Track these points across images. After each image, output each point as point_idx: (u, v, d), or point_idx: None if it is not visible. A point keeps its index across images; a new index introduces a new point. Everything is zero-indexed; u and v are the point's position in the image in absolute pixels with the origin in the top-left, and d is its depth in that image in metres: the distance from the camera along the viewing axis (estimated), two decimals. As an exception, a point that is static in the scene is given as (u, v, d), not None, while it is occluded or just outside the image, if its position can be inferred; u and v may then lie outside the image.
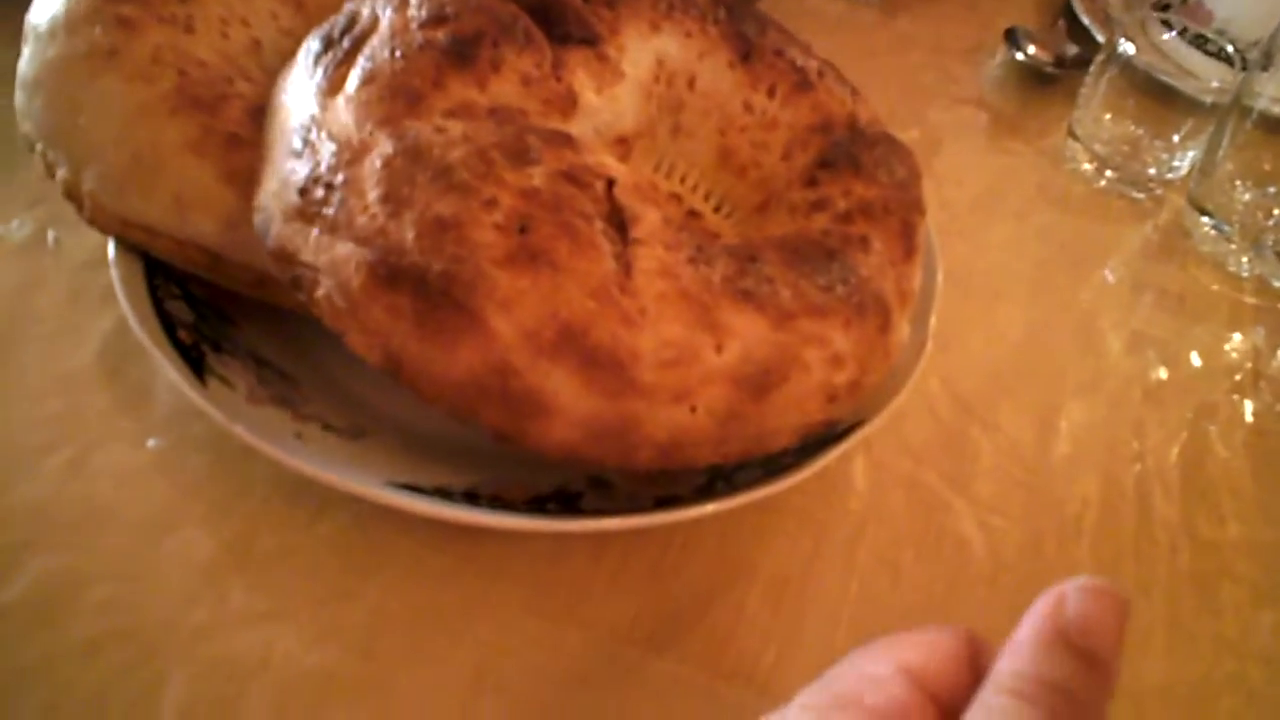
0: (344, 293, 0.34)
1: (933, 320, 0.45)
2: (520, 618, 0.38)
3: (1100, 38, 0.69)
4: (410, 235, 0.34)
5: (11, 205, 0.49)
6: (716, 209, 0.45)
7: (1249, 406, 0.51)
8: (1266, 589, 0.44)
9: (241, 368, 0.41)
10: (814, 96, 0.45)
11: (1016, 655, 0.25)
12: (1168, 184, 0.62)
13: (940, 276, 0.47)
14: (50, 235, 0.48)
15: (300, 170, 0.36)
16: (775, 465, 0.39)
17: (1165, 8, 0.72)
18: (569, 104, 0.40)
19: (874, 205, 0.42)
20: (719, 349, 0.35)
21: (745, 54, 0.45)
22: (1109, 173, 0.62)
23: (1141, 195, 0.62)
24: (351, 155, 0.35)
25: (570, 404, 0.34)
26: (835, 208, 0.42)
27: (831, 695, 0.26)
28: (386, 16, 0.39)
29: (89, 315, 0.45)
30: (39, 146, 0.42)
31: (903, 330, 0.41)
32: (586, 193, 0.36)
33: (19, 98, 0.42)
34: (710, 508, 0.37)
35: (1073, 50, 0.69)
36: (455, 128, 0.36)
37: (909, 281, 0.42)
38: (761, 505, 0.42)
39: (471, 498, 0.37)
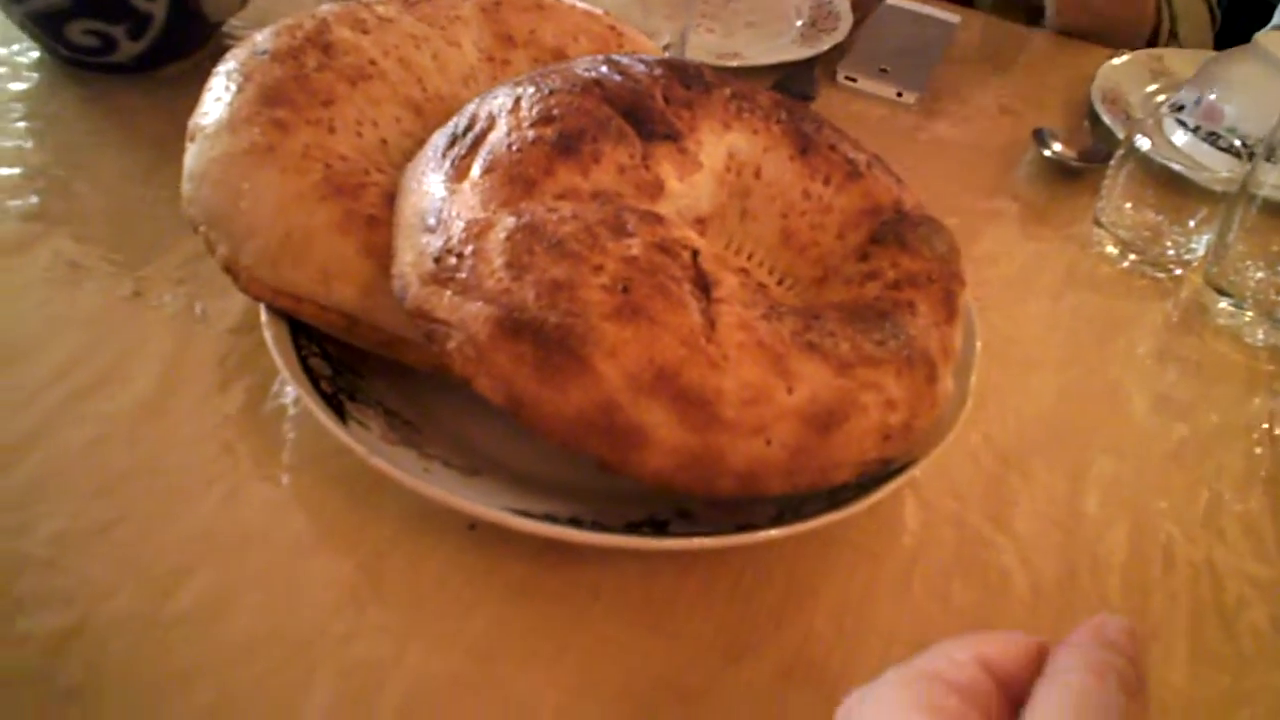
0: (474, 344, 0.41)
1: (973, 379, 0.50)
2: (617, 630, 0.44)
3: (1121, 135, 0.76)
4: (531, 295, 0.40)
5: (164, 283, 0.56)
6: (780, 283, 0.52)
7: (1265, 462, 0.56)
8: (1283, 619, 0.48)
9: (373, 415, 0.47)
10: (864, 184, 0.52)
11: (1074, 647, 0.30)
12: (1186, 264, 0.68)
13: (979, 344, 0.53)
14: (198, 307, 0.55)
15: (435, 243, 0.43)
16: (837, 499, 0.45)
17: (1180, 108, 0.79)
18: (657, 189, 0.47)
19: (919, 275, 0.48)
20: (790, 391, 0.41)
21: (804, 148, 0.52)
22: (1132, 255, 0.68)
23: (1162, 275, 0.68)
24: (479, 230, 0.42)
25: (665, 437, 0.40)
26: (885, 277, 0.48)
27: (917, 671, 0.32)
28: (503, 117, 0.46)
29: (234, 374, 0.52)
30: (202, 228, 0.50)
31: (947, 382, 0.47)
32: (676, 260, 0.42)
33: (186, 188, 0.50)
34: (782, 531, 0.43)
35: (1096, 147, 0.76)
36: (565, 208, 0.43)
37: (951, 341, 0.48)
38: (825, 539, 0.48)
39: (575, 522, 0.43)
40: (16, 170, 0.62)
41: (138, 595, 0.42)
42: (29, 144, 0.65)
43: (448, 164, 0.46)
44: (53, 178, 0.63)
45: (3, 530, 0.44)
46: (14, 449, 0.47)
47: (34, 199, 0.60)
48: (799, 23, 0.88)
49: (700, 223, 0.49)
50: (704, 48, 0.81)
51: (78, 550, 0.43)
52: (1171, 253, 0.67)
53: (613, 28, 0.62)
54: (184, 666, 0.40)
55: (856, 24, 0.87)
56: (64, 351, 0.52)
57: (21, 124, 0.66)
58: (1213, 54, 0.82)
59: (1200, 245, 0.67)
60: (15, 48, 0.73)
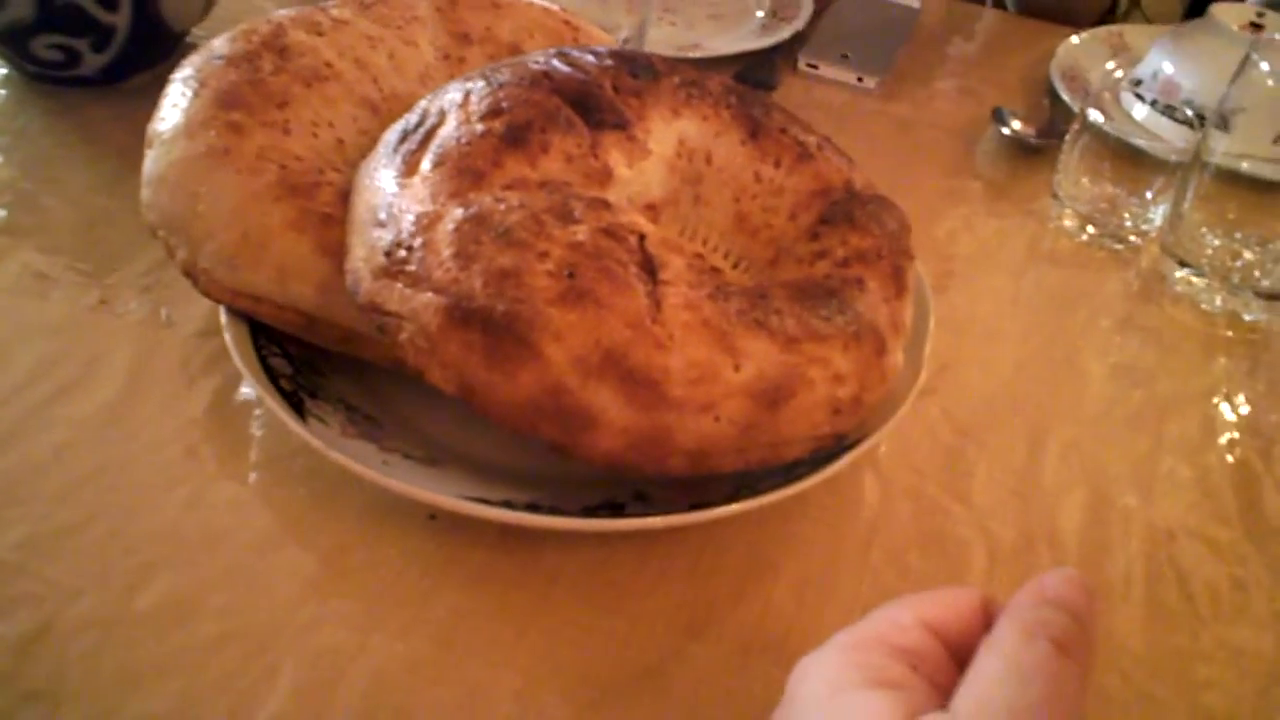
0: (424, 334, 0.42)
1: (926, 351, 0.51)
2: (576, 612, 0.44)
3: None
4: (479, 284, 0.41)
5: (130, 291, 0.57)
6: (734, 266, 0.52)
7: (1223, 424, 0.57)
8: (1240, 575, 0.49)
9: (333, 410, 0.48)
10: (815, 166, 0.52)
11: (1014, 608, 0.31)
12: (1144, 235, 0.68)
13: (932, 319, 0.53)
14: (163, 312, 0.56)
15: (385, 237, 0.44)
16: (793, 474, 0.45)
17: (1138, 83, 0.79)
18: (605, 177, 0.47)
19: (868, 252, 0.49)
20: (737, 368, 0.41)
21: (754, 132, 0.52)
22: (1091, 228, 0.69)
23: (1121, 246, 0.68)
24: (428, 222, 0.43)
25: (614, 418, 0.41)
26: (834, 256, 0.49)
27: (861, 636, 0.33)
28: (453, 112, 0.47)
29: (198, 377, 0.53)
30: (161, 233, 0.50)
31: (897, 356, 0.47)
32: (622, 244, 0.43)
33: (145, 193, 0.51)
34: (737, 507, 0.43)
35: (1055, 124, 0.77)
36: (512, 197, 0.43)
37: (901, 315, 0.48)
38: (784, 514, 0.48)
39: (533, 508, 0.44)
40: (-17, 186, 0.63)
41: (103, 596, 0.43)
42: (-5, 159, 0.66)
43: (398, 159, 0.46)
44: (20, 191, 0.63)
45: (-29, 536, 0.44)
46: (-19, 456, 0.48)
47: (1, 213, 0.61)
48: (760, 13, 0.88)
49: (652, 209, 0.50)
50: (664, 40, 0.82)
51: (45, 554, 0.44)
52: (1129, 224, 0.68)
53: (568, 22, 0.63)
54: (148, 665, 0.41)
55: (818, 12, 0.88)
56: (32, 359, 0.52)
57: (-12, 140, 0.67)
58: (1170, 28, 0.83)
59: (1157, 216, 0.67)
60: (-19, 65, 0.73)
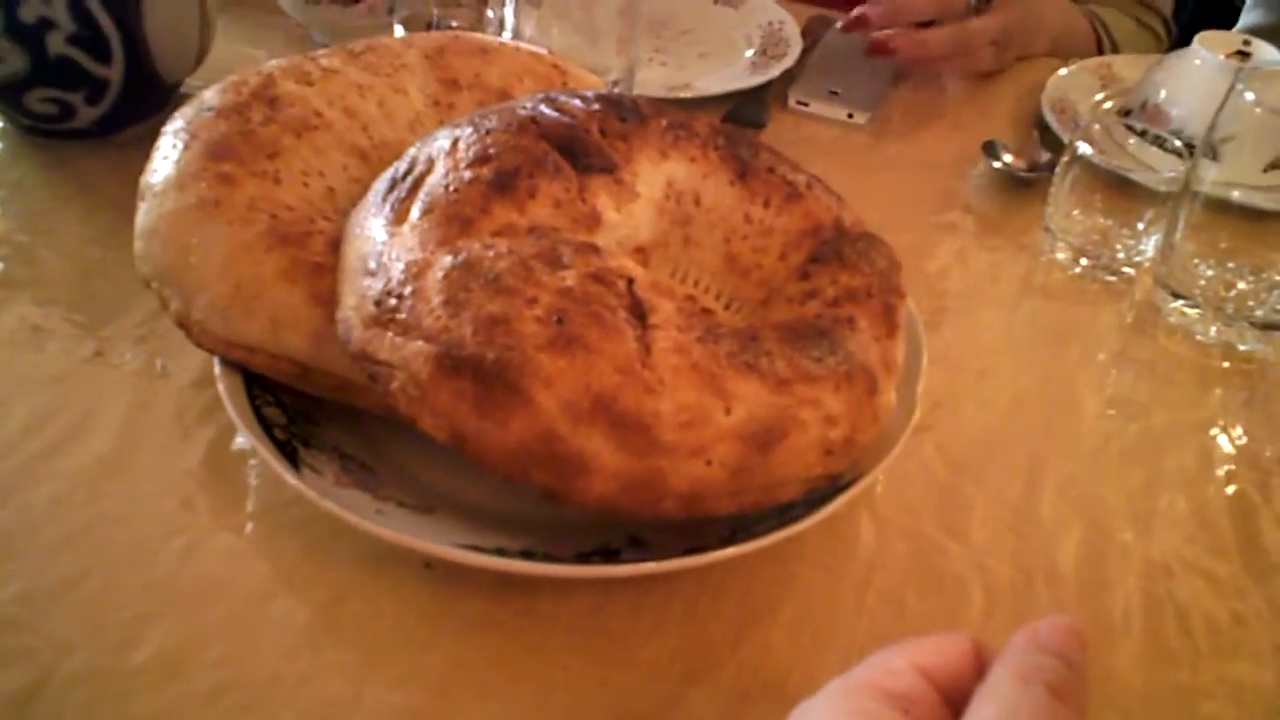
0: (416, 383, 0.42)
1: (919, 389, 0.51)
2: (573, 660, 0.44)
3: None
4: (469, 331, 0.41)
5: (125, 342, 0.57)
6: (726, 307, 0.52)
7: (1220, 457, 0.57)
8: (1240, 609, 0.49)
9: (327, 459, 0.48)
10: (804, 205, 0.53)
11: (1009, 655, 0.31)
12: (1137, 266, 0.69)
13: (925, 356, 0.53)
14: (158, 363, 0.56)
15: (375, 286, 0.44)
16: (788, 516, 0.45)
17: (1127, 113, 0.80)
18: (594, 221, 0.48)
19: (858, 291, 0.49)
20: (728, 411, 0.41)
21: (742, 173, 0.53)
22: (1084, 260, 0.69)
23: (1114, 278, 0.69)
24: (417, 270, 0.43)
25: (606, 462, 0.41)
26: (825, 295, 0.49)
27: (855, 681, 0.33)
28: (441, 159, 0.47)
29: (193, 428, 0.53)
30: (155, 284, 0.51)
31: (889, 395, 0.47)
32: (611, 289, 0.43)
33: (138, 245, 0.51)
34: (732, 551, 0.43)
35: (1045, 156, 0.77)
36: (501, 244, 0.44)
37: (893, 354, 0.48)
38: (780, 556, 0.48)
39: (527, 554, 0.44)
40: (-20, 239, 0.64)
41: (98, 651, 0.43)
42: (-8, 212, 0.66)
43: (387, 208, 0.47)
44: (16, 244, 0.64)
45: (-36, 592, 0.44)
46: (-25, 511, 0.48)
47: (-3, 266, 0.62)
48: (749, 52, 0.89)
49: (641, 251, 0.50)
50: (655, 81, 0.82)
51: (40, 608, 0.44)
52: (1122, 255, 0.68)
53: (556, 66, 0.63)
54: (152, 710, 0.41)
55: (806, 50, 0.89)
56: (27, 412, 0.53)
57: (-15, 193, 0.68)
58: (1157, 58, 0.83)
59: (1149, 247, 0.68)
60: (-23, 120, 0.74)
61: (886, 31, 0.82)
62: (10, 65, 0.67)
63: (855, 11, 0.83)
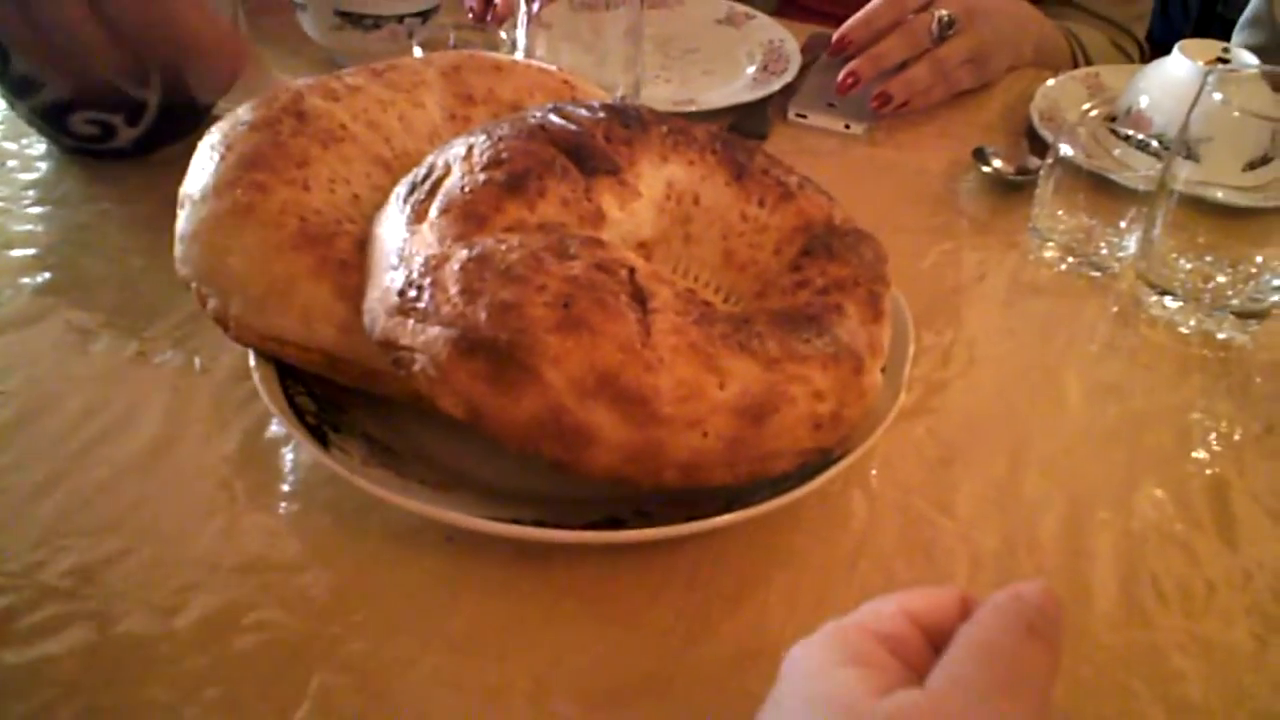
0: (435, 364, 0.45)
1: (905, 372, 0.54)
2: (584, 622, 0.48)
3: (1059, 149, 0.80)
4: (483, 316, 0.45)
5: (165, 342, 0.61)
6: (725, 300, 0.56)
7: (1197, 436, 0.60)
8: (1212, 576, 0.52)
9: (355, 443, 0.52)
10: (797, 203, 0.56)
11: (990, 601, 0.34)
12: (1121, 262, 0.72)
13: (912, 344, 0.57)
14: (196, 361, 0.60)
15: (398, 279, 0.48)
16: (782, 487, 0.49)
17: (1113, 119, 0.83)
18: (599, 218, 0.51)
19: (846, 280, 0.52)
20: (722, 386, 0.45)
21: (738, 174, 0.57)
22: (1070, 258, 0.73)
23: (1099, 274, 0.72)
24: (436, 263, 0.47)
25: (610, 435, 0.44)
26: (815, 285, 0.52)
27: (848, 623, 0.36)
28: (457, 164, 0.51)
29: (230, 418, 0.57)
30: (194, 285, 0.55)
31: (875, 375, 0.51)
32: (614, 277, 0.47)
33: (179, 249, 0.55)
34: (730, 517, 0.47)
35: (1034, 162, 0.81)
36: (512, 238, 0.48)
37: (879, 338, 0.52)
38: (776, 527, 0.52)
39: (540, 524, 0.47)
40: (30, 251, 0.68)
41: (149, 615, 0.46)
42: (40, 227, 0.71)
43: (408, 209, 0.50)
44: (62, 255, 0.68)
45: (29, 565, 0.48)
46: (37, 491, 0.52)
47: (46, 275, 0.66)
48: (750, 68, 0.93)
49: (644, 247, 0.54)
50: (661, 97, 0.86)
51: (94, 579, 0.48)
52: (1105, 252, 0.72)
53: (566, 82, 0.68)
54: (192, 675, 0.45)
55: (805, 65, 0.93)
56: (77, 407, 0.57)
57: (33, 209, 0.72)
58: (1141, 67, 0.87)
59: (1132, 243, 0.71)
60: (24, 141, 0.79)
61: (858, 69, 0.85)
62: (56, 90, 0.71)
63: (842, 72, 0.87)
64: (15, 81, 0.72)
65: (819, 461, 0.49)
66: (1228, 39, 1.14)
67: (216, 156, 0.56)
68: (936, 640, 0.35)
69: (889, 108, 0.85)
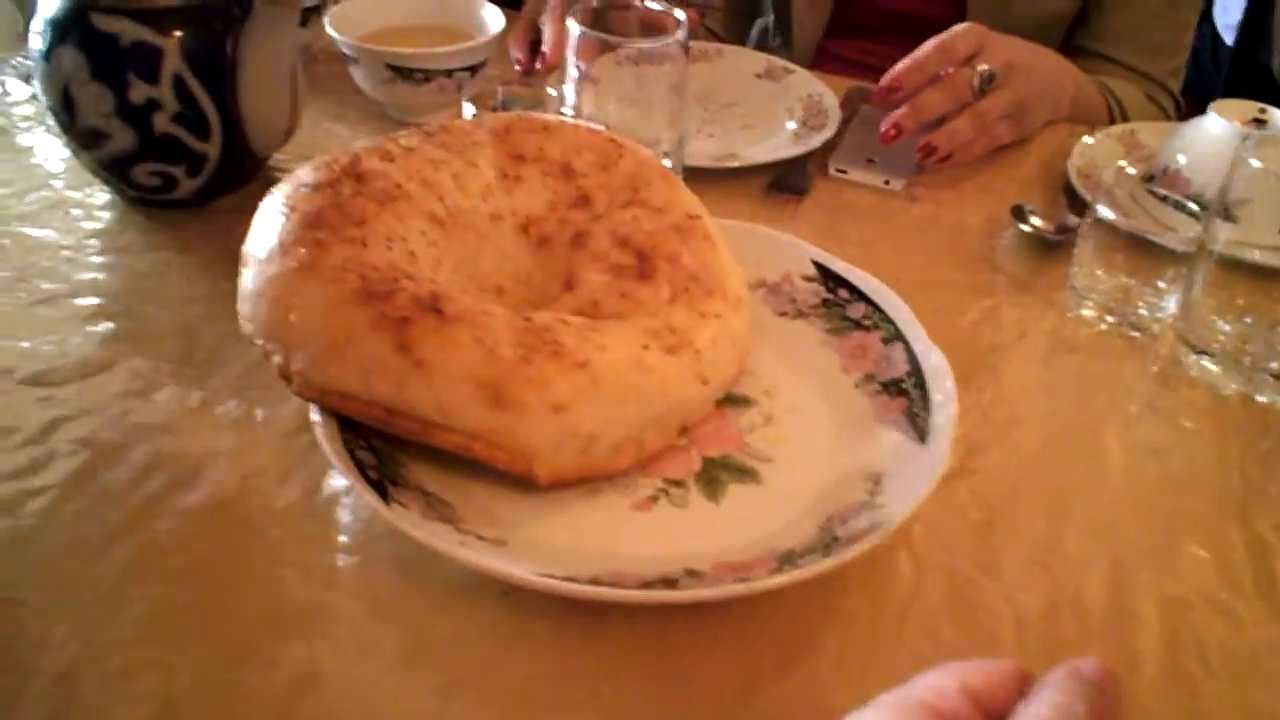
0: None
1: (950, 436, 0.55)
2: (636, 678, 0.49)
3: (1097, 207, 0.81)
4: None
5: (227, 392, 0.63)
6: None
7: (1238, 500, 0.61)
8: (1256, 640, 0.52)
9: (414, 497, 0.53)
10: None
11: (1050, 680, 0.34)
12: (1160, 322, 0.73)
13: (955, 405, 0.57)
14: (258, 413, 0.62)
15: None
16: (830, 551, 0.50)
17: (1150, 179, 0.84)
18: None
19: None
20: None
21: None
22: (1109, 318, 0.74)
23: (1138, 334, 0.73)
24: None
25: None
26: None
27: (905, 697, 0.36)
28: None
29: (292, 470, 0.58)
30: (259, 341, 0.56)
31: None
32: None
33: (243, 307, 0.57)
34: (780, 579, 0.48)
35: (1073, 220, 0.82)
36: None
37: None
38: (825, 589, 0.53)
39: (595, 583, 0.49)
40: (95, 300, 0.70)
41: (215, 666, 0.48)
42: (103, 276, 0.73)
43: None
44: (126, 304, 0.70)
45: (101, 614, 0.50)
46: (106, 540, 0.53)
47: (111, 324, 0.68)
48: (791, 123, 0.95)
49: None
50: (704, 152, 0.88)
51: (165, 628, 0.49)
52: (1145, 313, 0.72)
53: (613, 140, 0.69)
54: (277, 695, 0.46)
55: (845, 121, 0.94)
56: (144, 456, 0.58)
57: (97, 258, 0.74)
58: (1178, 125, 0.88)
59: (1171, 304, 0.72)
60: (88, 191, 0.81)
61: (902, 121, 0.86)
62: (120, 142, 0.74)
63: (885, 122, 0.87)
64: (82, 133, 0.74)
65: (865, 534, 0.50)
66: (1262, 87, 1.15)
67: (280, 217, 0.58)
68: (993, 716, 0.36)
69: (933, 158, 0.86)
